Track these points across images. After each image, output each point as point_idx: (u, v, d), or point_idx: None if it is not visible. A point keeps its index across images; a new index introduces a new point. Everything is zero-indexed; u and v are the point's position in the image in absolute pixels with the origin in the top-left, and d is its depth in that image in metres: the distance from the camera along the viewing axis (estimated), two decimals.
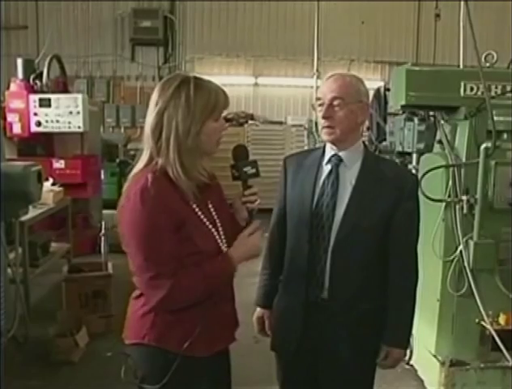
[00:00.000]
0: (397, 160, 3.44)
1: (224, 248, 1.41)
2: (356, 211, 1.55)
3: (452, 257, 2.57)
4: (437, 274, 2.56)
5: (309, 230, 1.59)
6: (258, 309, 1.77)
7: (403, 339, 1.62)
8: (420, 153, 3.15)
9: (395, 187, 1.57)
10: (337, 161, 1.62)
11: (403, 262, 1.60)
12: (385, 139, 3.79)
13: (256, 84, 8.34)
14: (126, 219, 1.31)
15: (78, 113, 5.01)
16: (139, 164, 1.38)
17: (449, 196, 2.51)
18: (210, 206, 1.43)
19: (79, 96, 4.82)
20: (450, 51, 7.36)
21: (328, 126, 1.56)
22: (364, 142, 1.66)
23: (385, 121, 4.35)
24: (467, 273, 2.54)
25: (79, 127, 5.03)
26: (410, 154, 3.33)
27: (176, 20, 8.07)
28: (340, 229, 1.55)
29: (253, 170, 1.50)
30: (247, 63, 8.26)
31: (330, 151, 1.63)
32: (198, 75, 1.40)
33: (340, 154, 1.62)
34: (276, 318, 1.71)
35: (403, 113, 3.30)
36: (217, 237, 1.41)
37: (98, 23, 7.80)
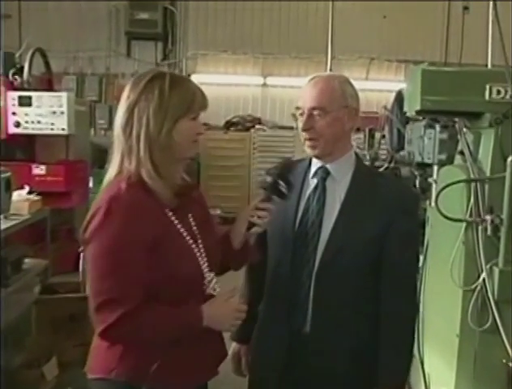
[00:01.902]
0: (416, 173, 3.39)
1: (206, 272, 1.38)
2: (345, 230, 1.53)
3: (474, 286, 2.47)
4: (456, 305, 2.47)
5: (291, 251, 1.57)
6: (234, 344, 1.74)
7: (400, 381, 1.57)
8: (442, 165, 3.08)
9: (391, 205, 1.55)
10: (324, 174, 1.61)
11: (399, 291, 1.57)
12: (403, 148, 3.73)
13: (265, 85, 8.35)
14: (90, 232, 1.28)
15: (63, 113, 5.00)
16: (111, 171, 1.36)
17: (470, 215, 2.43)
18: (191, 220, 1.40)
19: (64, 95, 4.81)
20: (481, 49, 7.30)
21: (310, 139, 1.55)
22: (356, 153, 1.64)
23: None
24: (491, 305, 2.45)
25: (63, 129, 5.01)
26: (431, 166, 3.26)
27: (177, 12, 8.11)
28: (326, 251, 1.53)
29: (285, 191, 1.54)
30: (255, 61, 8.28)
31: (316, 162, 1.62)
32: (175, 73, 1.40)
33: (328, 166, 1.61)
34: (254, 355, 1.67)
35: (423, 118, 3.24)
36: (199, 256, 1.37)
37: (90, 15, 7.84)
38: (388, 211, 1.55)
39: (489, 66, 2.88)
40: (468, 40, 7.95)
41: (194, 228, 1.42)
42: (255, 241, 1.67)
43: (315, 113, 1.55)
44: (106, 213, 1.27)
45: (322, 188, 1.60)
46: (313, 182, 1.63)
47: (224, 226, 6.29)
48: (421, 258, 2.60)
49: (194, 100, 1.39)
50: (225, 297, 1.40)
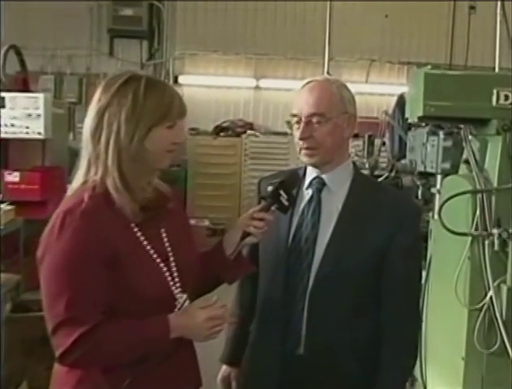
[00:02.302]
0: (418, 183, 3.40)
1: (177, 293, 1.36)
2: (341, 246, 1.54)
3: (480, 305, 2.48)
4: (461, 326, 2.47)
5: (284, 268, 1.57)
6: (224, 366, 1.74)
7: None
8: (446, 174, 3.09)
9: (391, 218, 1.57)
10: (319, 185, 1.62)
11: (400, 310, 1.58)
12: (404, 156, 3.75)
13: (257, 87, 8.37)
14: (43, 249, 1.27)
15: (39, 115, 4.99)
16: (76, 181, 1.35)
17: (476, 229, 2.44)
18: (163, 235, 1.39)
19: (41, 96, 4.81)
20: (488, 50, 7.39)
21: (308, 148, 1.55)
22: (354, 162, 1.65)
23: None
24: (499, 325, 2.45)
25: (40, 133, 5.01)
26: (434, 175, 3.28)
27: (163, 9, 8.13)
28: (321, 268, 1.54)
29: (287, 204, 1.55)
30: (248, 62, 8.32)
31: (311, 172, 1.63)
32: (151, 76, 1.40)
33: (323, 176, 1.62)
34: (245, 378, 1.67)
35: (426, 125, 3.25)
36: (168, 277, 1.36)
37: (70, 10, 7.83)
38: (388, 225, 1.56)
39: (497, 69, 2.91)
40: (475, 42, 8.03)
41: (167, 243, 1.40)
42: (249, 255, 1.68)
43: (314, 120, 1.55)
44: (60, 227, 1.26)
45: (317, 200, 1.60)
46: (307, 194, 1.63)
47: (212, 238, 6.31)
48: (424, 274, 2.61)
49: (171, 106, 1.37)
50: (201, 304, 1.38)
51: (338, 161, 1.61)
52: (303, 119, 1.57)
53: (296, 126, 1.60)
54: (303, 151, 1.59)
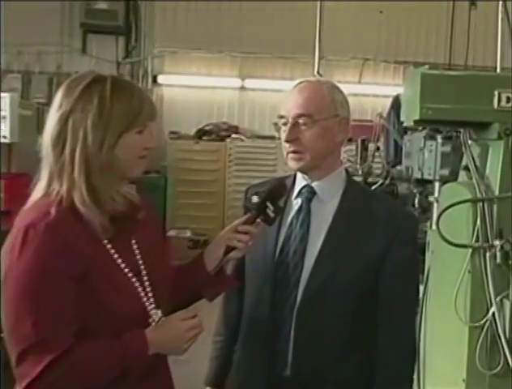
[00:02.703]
0: (415, 191, 3.41)
1: (151, 309, 1.36)
2: (332, 259, 1.55)
3: (482, 322, 2.49)
4: (461, 345, 2.48)
5: (271, 284, 1.58)
6: None
7: None
8: (444, 182, 3.11)
9: (386, 229, 1.58)
10: (309, 194, 1.63)
11: (396, 329, 1.58)
12: (400, 162, 3.77)
13: (243, 88, 8.40)
14: (4, 269, 1.25)
15: (5, 117, 4.98)
16: (36, 192, 1.33)
17: (477, 240, 2.45)
18: (134, 246, 1.38)
19: (6, 96, 4.80)
20: (489, 49, 7.46)
21: (294, 151, 1.55)
22: (346, 169, 1.66)
23: None
24: (502, 344, 2.46)
25: (5, 137, 4.99)
26: (431, 182, 3.30)
27: (141, 2, 8.13)
28: (309, 283, 1.55)
29: (273, 215, 1.55)
30: (232, 61, 8.35)
31: (301, 180, 1.64)
32: (117, 76, 1.38)
33: (313, 185, 1.62)
34: None
35: (423, 129, 3.28)
36: (141, 292, 1.35)
37: (39, 3, 7.78)
38: (383, 237, 1.56)
39: (498, 69, 2.93)
40: (475, 40, 8.11)
41: (138, 256, 1.40)
42: (232, 270, 1.68)
43: (301, 121, 1.57)
44: (22, 243, 1.24)
45: (306, 210, 1.61)
46: (296, 204, 1.64)
47: (194, 250, 6.30)
48: (421, 288, 2.61)
49: (141, 109, 1.37)
50: (180, 317, 1.37)
51: (329, 168, 1.62)
52: (290, 120, 1.58)
53: (283, 129, 1.61)
54: (289, 155, 1.60)
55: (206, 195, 7.75)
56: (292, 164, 1.61)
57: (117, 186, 1.36)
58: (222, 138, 7.89)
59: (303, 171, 1.62)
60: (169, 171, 7.73)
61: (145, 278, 1.38)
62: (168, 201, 7.67)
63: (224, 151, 7.82)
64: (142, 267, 1.38)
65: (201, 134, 7.90)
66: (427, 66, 2.37)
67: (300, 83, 1.64)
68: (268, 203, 1.55)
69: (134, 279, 1.35)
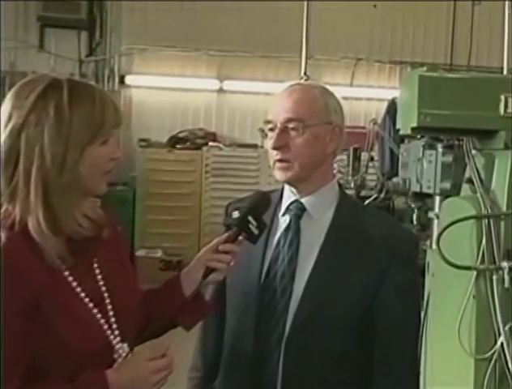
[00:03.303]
0: (413, 206, 3.43)
1: (116, 344, 1.33)
2: (324, 283, 1.56)
3: (489, 354, 2.50)
4: (466, 379, 2.48)
5: (255, 312, 1.58)
6: None
7: None
8: (446, 196, 3.13)
9: (383, 250, 1.59)
10: (298, 211, 1.63)
11: (395, 360, 1.60)
12: (397, 174, 3.79)
13: (221, 90, 8.46)
14: None
15: None
16: None
17: (482, 262, 2.46)
18: (96, 271, 1.36)
19: None
20: (494, 49, 7.56)
21: (281, 160, 1.56)
22: (339, 183, 1.68)
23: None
24: None
25: None
26: (431, 196, 3.31)
27: None
28: (299, 311, 1.54)
29: (257, 232, 1.57)
30: (210, 60, 8.39)
31: (289, 195, 1.66)
32: (76, 78, 1.36)
33: (303, 200, 1.63)
34: None
35: (422, 137, 3.29)
36: (104, 324, 1.33)
37: None
38: (379, 259, 1.57)
39: (505, 71, 2.97)
40: (479, 38, 8.23)
41: (101, 282, 1.38)
42: (212, 294, 1.70)
43: (290, 126, 1.58)
44: None
45: (295, 229, 1.62)
46: (284, 221, 1.64)
47: (167, 272, 6.25)
48: (421, 315, 2.62)
49: (104, 116, 1.34)
50: (146, 356, 1.35)
51: (320, 182, 1.63)
52: (278, 125, 1.59)
53: (270, 135, 1.62)
54: (276, 165, 1.61)
55: (180, 210, 7.74)
56: (279, 175, 1.61)
57: (79, 207, 1.34)
58: (198, 147, 7.90)
59: (291, 183, 1.63)
60: (138, 183, 7.71)
61: (109, 307, 1.36)
62: (137, 217, 7.64)
63: (200, 160, 7.82)
64: (105, 294, 1.36)
65: (174, 141, 7.90)
66: (425, 68, 2.38)
67: (292, 86, 1.66)
68: (250, 218, 1.56)
69: (95, 310, 1.33)
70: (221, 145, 8.03)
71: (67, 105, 1.30)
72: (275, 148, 1.60)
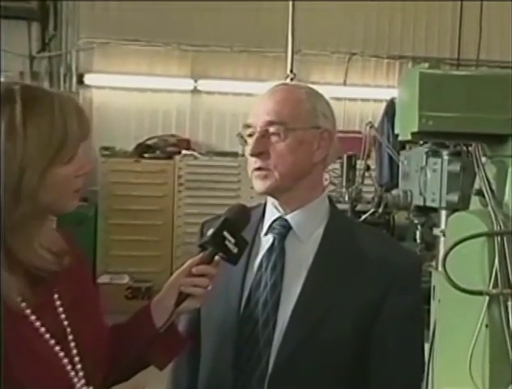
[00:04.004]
0: (416, 221, 3.44)
1: (80, 386, 1.33)
2: (312, 312, 1.56)
3: None
4: None
5: (234, 345, 1.59)
6: None
7: None
8: (453, 210, 3.15)
9: (380, 273, 1.63)
10: (282, 229, 1.64)
11: None
12: (396, 186, 3.81)
13: (196, 91, 8.51)
14: None
15: None
16: None
17: (495, 285, 2.48)
18: (57, 304, 1.36)
19: None
20: (506, 41, 7.63)
21: (260, 168, 1.59)
22: (330, 196, 1.69)
23: None
24: None
25: None
26: (436, 211, 3.33)
27: None
28: (284, 344, 1.55)
29: (235, 250, 1.56)
30: (182, 56, 8.43)
31: (272, 211, 1.68)
32: (31, 84, 1.34)
33: (288, 217, 1.63)
34: None
35: (424, 143, 3.31)
36: (67, 365, 1.33)
37: None
38: (376, 283, 1.58)
39: None
40: (490, 29, 8.30)
41: (62, 315, 1.38)
42: (185, 325, 1.70)
43: (271, 130, 1.60)
44: None
45: (279, 250, 1.63)
46: (266, 241, 1.65)
47: (134, 301, 6.24)
48: (426, 347, 2.62)
49: (67, 132, 1.31)
50: None
51: (307, 195, 1.64)
52: (258, 129, 1.61)
53: (249, 141, 1.64)
54: (254, 173, 1.62)
55: (149, 229, 7.72)
56: (257, 185, 1.62)
57: (40, 237, 1.32)
58: (169, 156, 7.89)
59: (271, 194, 1.64)
60: (101, 198, 7.68)
61: (72, 344, 1.35)
62: (99, 237, 7.61)
63: (172, 172, 7.81)
64: (67, 329, 1.36)
65: (142, 150, 7.89)
66: (427, 64, 2.40)
67: (276, 86, 1.68)
68: (227, 234, 1.55)
69: (57, 348, 1.32)
70: (196, 153, 8.02)
71: (21, 123, 1.27)
72: (253, 155, 1.61)
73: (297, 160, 1.60)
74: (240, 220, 1.60)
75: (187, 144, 8.17)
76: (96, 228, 7.62)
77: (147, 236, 7.68)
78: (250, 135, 1.64)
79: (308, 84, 1.72)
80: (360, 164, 4.38)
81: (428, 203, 3.31)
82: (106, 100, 8.14)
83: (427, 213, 3.46)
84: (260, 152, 1.60)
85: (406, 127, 2.48)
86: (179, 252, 7.56)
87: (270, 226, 1.66)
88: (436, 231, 3.26)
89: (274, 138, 1.60)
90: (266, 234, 1.67)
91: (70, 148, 1.34)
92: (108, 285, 7.13)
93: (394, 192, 3.82)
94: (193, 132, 8.43)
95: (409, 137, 2.57)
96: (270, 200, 1.68)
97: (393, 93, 5.60)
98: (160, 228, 7.81)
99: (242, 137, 1.68)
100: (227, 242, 1.53)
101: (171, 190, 7.84)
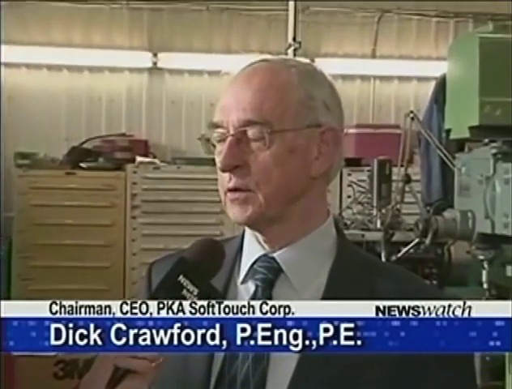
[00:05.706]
0: (481, 257, 3.45)
1: None
2: None
3: None
4: None
5: None
6: None
7: None
8: None
9: None
10: (269, 273, 1.66)
11: None
12: (451, 205, 3.82)
13: (155, 69, 8.56)
14: None
15: None
16: None
17: None
18: None
19: None
20: None
21: (237, 189, 1.60)
22: (337, 223, 1.68)
23: None
24: None
25: None
26: (510, 240, 3.35)
27: None
28: None
29: (193, 299, 1.54)
30: (134, 19, 8.46)
31: (253, 247, 1.68)
32: None
33: (276, 255, 1.65)
34: None
35: (490, 141, 3.33)
36: None
37: None
38: (405, 357, 1.57)
39: None
40: None
41: None
42: None
43: (251, 133, 1.60)
44: None
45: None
46: (245, 290, 1.68)
47: (64, 382, 6.38)
48: None
49: None
50: None
51: (303, 224, 1.65)
52: (231, 131, 1.61)
53: (218, 148, 1.65)
54: (228, 196, 1.63)
55: (89, 275, 7.70)
56: (234, 214, 1.62)
57: None
58: (119, 165, 7.86)
59: (254, 226, 1.65)
60: (17, 229, 7.65)
61: None
62: (15, 287, 7.60)
63: (122, 188, 7.78)
64: None
65: (78, 157, 7.87)
66: (491, 26, 2.42)
67: (252, 64, 1.67)
68: (184, 280, 1.54)
69: None
70: (157, 161, 8.02)
71: None
72: (224, 170, 1.62)
73: (288, 174, 1.61)
74: (206, 262, 1.58)
75: (144, 148, 8.16)
76: (9, 272, 7.60)
77: (87, 284, 7.64)
78: (221, 140, 1.64)
79: (309, 60, 1.72)
80: (397, 173, 4.38)
81: (498, 230, 3.32)
82: (23, 85, 8.15)
83: (497, 245, 3.47)
84: (235, 166, 1.60)
85: (461, 119, 2.49)
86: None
87: (251, 268, 1.68)
88: (510, 270, 3.28)
89: (254, 145, 1.60)
90: (244, 281, 1.70)
91: None
92: (31, 360, 7.03)
93: (447, 214, 3.84)
94: (152, 130, 8.48)
95: (467, 134, 2.57)
96: (251, 231, 1.69)
97: (444, 69, 5.66)
98: (107, 272, 7.79)
99: (208, 141, 1.70)
100: (185, 292, 1.53)
101: (121, 215, 7.80)
